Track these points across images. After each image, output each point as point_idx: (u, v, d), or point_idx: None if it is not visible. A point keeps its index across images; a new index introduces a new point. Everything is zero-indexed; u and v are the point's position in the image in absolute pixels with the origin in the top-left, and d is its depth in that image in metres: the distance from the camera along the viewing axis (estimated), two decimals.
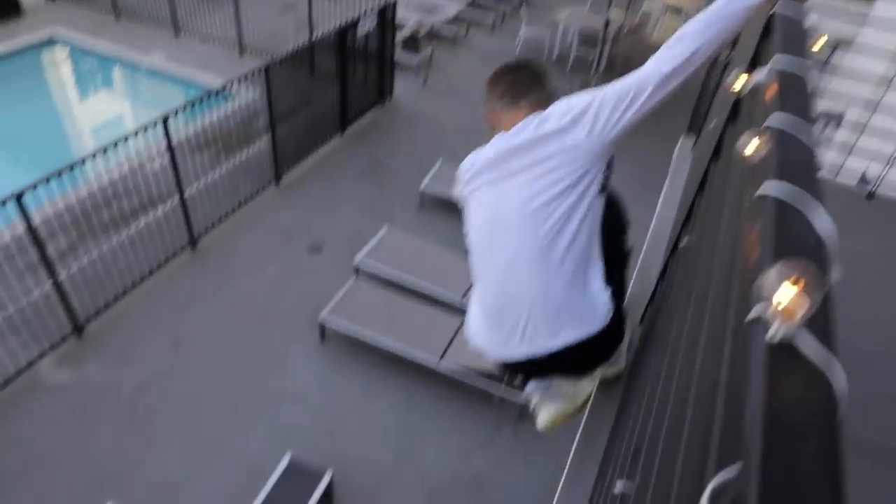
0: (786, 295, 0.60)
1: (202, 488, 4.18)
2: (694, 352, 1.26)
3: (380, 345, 4.92)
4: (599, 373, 2.23)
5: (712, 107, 3.58)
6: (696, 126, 6.73)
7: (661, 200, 3.70)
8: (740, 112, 1.88)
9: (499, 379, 4.80)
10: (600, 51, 9.54)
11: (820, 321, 0.66)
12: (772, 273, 0.61)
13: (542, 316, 1.72)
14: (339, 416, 4.67)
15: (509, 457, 4.57)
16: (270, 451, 4.30)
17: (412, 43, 9.60)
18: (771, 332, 0.65)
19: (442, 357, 4.81)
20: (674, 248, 2.35)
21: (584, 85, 9.55)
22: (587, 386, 2.28)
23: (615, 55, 10.30)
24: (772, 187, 0.90)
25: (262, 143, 6.57)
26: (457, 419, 4.74)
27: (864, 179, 4.42)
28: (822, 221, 0.83)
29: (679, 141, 4.33)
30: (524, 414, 4.68)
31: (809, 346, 0.63)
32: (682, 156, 4.05)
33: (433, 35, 10.60)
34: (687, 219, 2.30)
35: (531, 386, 2.28)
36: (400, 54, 9.30)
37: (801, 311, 0.61)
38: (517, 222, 1.69)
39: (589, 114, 1.66)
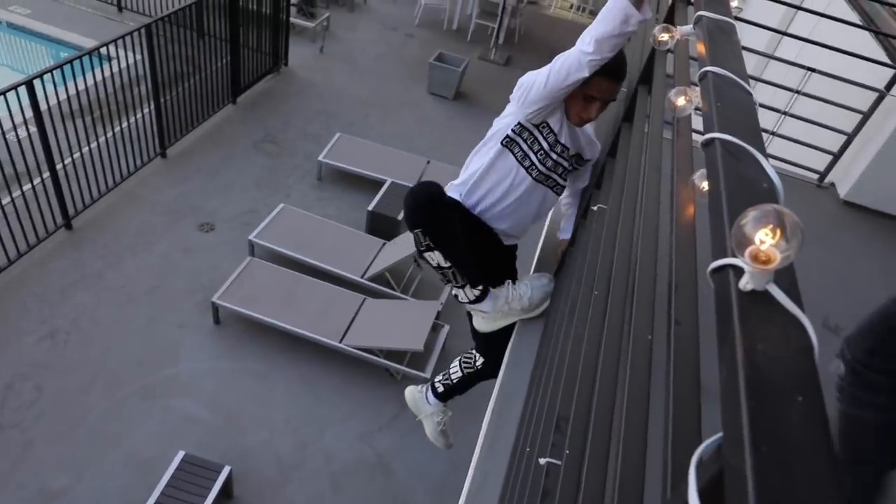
0: (763, 242, 0.55)
1: (87, 493, 3.84)
2: (623, 315, 1.24)
3: (278, 326, 4.72)
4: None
5: None
6: None
7: None
8: (653, 72, 1.88)
9: (401, 357, 4.75)
10: (499, 22, 9.56)
11: (785, 274, 0.62)
12: (748, 218, 0.56)
13: None
14: (237, 404, 4.45)
15: (414, 435, 4.52)
16: (163, 448, 4.03)
17: (308, 7, 9.22)
18: (743, 280, 0.60)
19: (343, 337, 4.69)
20: (584, 213, 2.35)
21: (483, 56, 9.58)
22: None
23: (514, 27, 10.39)
24: (717, 137, 0.86)
25: (146, 112, 6.08)
26: (360, 400, 4.64)
27: None
28: (770, 171, 0.80)
29: None
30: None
31: (782, 298, 0.59)
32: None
33: None
34: (597, 186, 2.30)
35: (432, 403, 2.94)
36: (296, 19, 8.92)
37: (776, 261, 0.56)
38: None
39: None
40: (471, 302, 2.31)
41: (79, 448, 4.04)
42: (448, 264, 2.17)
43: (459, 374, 2.86)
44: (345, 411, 4.55)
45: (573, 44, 1.99)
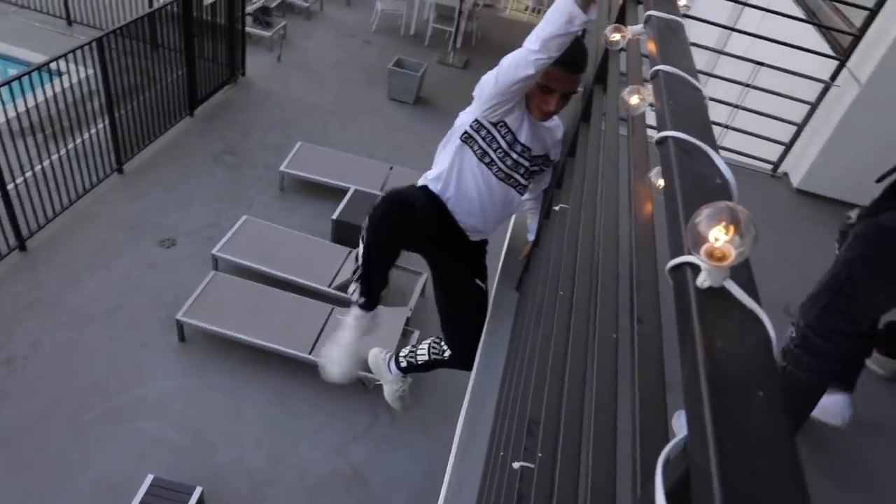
0: (717, 239, 0.55)
1: None
2: (589, 314, 1.24)
3: (245, 341, 4.64)
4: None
5: None
6: None
7: None
8: (608, 72, 1.90)
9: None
10: (456, 26, 9.60)
11: (742, 270, 0.62)
12: (701, 217, 0.56)
13: None
14: (205, 423, 4.35)
15: (388, 444, 4.50)
16: (131, 472, 3.91)
17: (264, 16, 9.12)
18: (700, 278, 0.60)
19: (312, 348, 4.63)
20: (547, 213, 2.37)
21: (442, 61, 9.60)
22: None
23: (471, 30, 10.44)
24: (670, 135, 0.86)
25: (100, 127, 5.93)
26: (332, 411, 4.59)
27: None
28: (722, 166, 0.81)
29: None
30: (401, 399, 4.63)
31: (739, 294, 0.59)
32: None
33: (286, 7, 10.15)
34: (558, 185, 2.32)
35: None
36: (252, 28, 8.82)
37: (731, 257, 0.56)
38: None
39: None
40: (351, 299, 2.52)
41: (41, 478, 3.90)
42: (361, 262, 2.32)
43: (426, 357, 2.86)
44: (317, 423, 4.49)
45: None
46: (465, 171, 2.25)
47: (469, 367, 2.46)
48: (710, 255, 0.57)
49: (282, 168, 6.43)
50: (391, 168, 6.73)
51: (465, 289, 2.52)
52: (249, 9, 8.62)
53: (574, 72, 2.08)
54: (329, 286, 5.18)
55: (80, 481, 3.91)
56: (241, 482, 4.06)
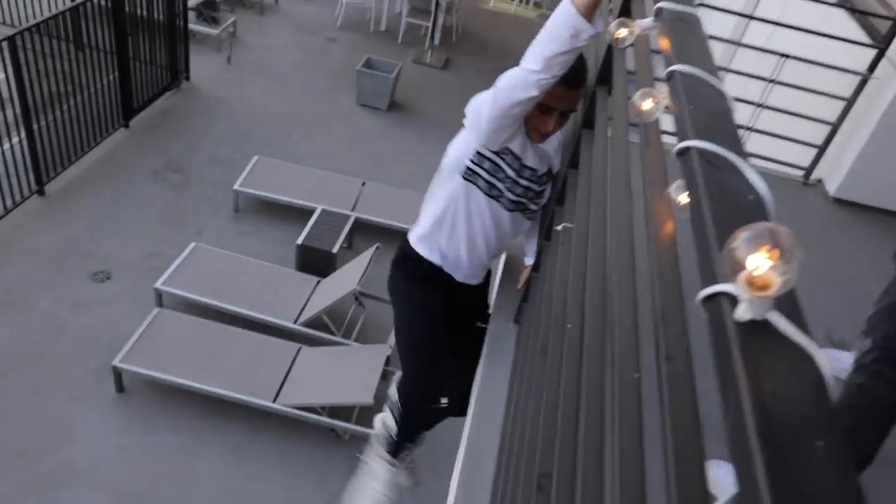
0: (758, 266, 0.57)
1: None
2: (604, 351, 1.25)
3: (196, 389, 4.60)
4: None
5: None
6: None
7: None
8: (612, 72, 1.94)
9: (348, 413, 4.68)
10: (434, 20, 9.71)
11: (787, 299, 0.63)
12: (739, 241, 0.57)
13: None
14: (150, 489, 4.28)
15: None
16: None
17: (210, 11, 9.17)
18: (740, 310, 0.61)
19: (277, 395, 4.61)
20: (547, 234, 2.39)
21: (418, 60, 9.69)
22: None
23: (451, 25, 10.57)
24: (693, 146, 0.88)
25: (15, 141, 5.89)
26: (301, 469, 4.54)
27: None
28: (755, 179, 0.83)
29: None
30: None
31: (785, 327, 0.60)
32: None
33: (235, 1, 10.22)
34: (559, 202, 2.34)
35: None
36: (196, 25, 8.85)
37: (775, 286, 0.57)
38: None
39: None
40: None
41: None
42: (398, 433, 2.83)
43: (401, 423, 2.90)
44: (284, 484, 4.44)
45: (517, 41, 2.03)
46: (471, 213, 2.30)
47: (464, 412, 2.48)
48: (751, 283, 0.58)
49: (236, 186, 6.43)
50: (363, 184, 6.76)
51: (468, 334, 2.67)
52: (192, 2, 8.67)
53: (575, 87, 2.13)
54: (295, 322, 5.16)
55: None
56: None
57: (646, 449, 0.93)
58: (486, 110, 2.07)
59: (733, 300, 0.62)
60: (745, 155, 0.86)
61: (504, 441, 2.03)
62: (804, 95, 3.72)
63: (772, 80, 3.77)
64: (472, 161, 2.21)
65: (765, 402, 0.54)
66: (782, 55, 3.74)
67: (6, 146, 5.78)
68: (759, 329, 0.60)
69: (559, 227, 2.05)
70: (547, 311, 1.88)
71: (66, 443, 4.44)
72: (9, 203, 5.85)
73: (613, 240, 1.40)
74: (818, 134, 3.93)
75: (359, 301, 5.48)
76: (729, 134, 0.91)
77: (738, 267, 0.58)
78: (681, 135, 0.93)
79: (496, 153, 2.21)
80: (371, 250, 5.39)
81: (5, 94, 5.66)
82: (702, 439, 0.73)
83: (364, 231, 6.33)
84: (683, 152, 0.89)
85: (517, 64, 1.99)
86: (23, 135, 5.88)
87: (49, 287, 5.42)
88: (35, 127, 5.87)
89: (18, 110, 5.75)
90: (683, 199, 1.13)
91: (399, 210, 6.48)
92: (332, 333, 5.24)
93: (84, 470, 4.32)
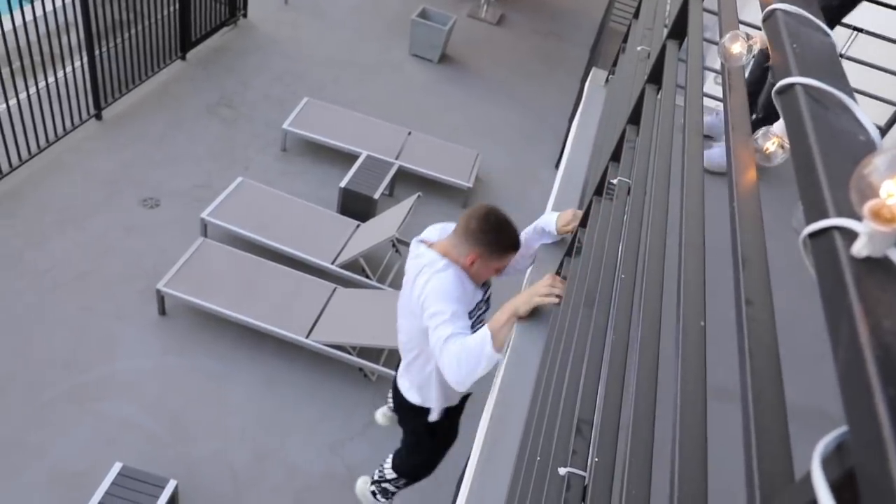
0: (892, 195, 0.51)
1: None
2: (663, 295, 1.20)
3: (234, 319, 4.64)
4: None
5: (631, 32, 3.60)
6: (595, 58, 6.89)
7: (570, 143, 3.70)
8: (688, 21, 1.84)
9: (377, 355, 4.70)
10: None
11: None
12: (874, 166, 0.51)
13: None
14: (185, 408, 4.36)
15: (390, 444, 4.47)
16: (96, 460, 3.93)
17: None
18: (858, 245, 0.55)
19: (310, 332, 4.63)
20: (598, 189, 2.33)
21: (473, 14, 9.49)
22: None
23: None
24: (797, 82, 0.81)
25: (78, 65, 5.92)
26: (328, 404, 4.59)
27: None
28: (865, 120, 0.76)
29: (589, 75, 4.35)
30: None
31: None
32: (594, 91, 4.07)
33: None
34: (615, 157, 2.28)
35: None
36: None
37: None
38: None
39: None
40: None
41: None
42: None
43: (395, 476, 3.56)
44: (311, 417, 4.49)
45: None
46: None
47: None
48: (877, 215, 0.52)
49: (285, 126, 6.40)
50: (409, 133, 6.69)
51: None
52: None
53: (517, 249, 2.58)
54: (332, 263, 5.16)
55: (36, 467, 3.93)
56: (221, 478, 4.07)
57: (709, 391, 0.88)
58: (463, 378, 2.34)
59: (848, 235, 0.57)
60: (853, 96, 0.79)
61: (539, 388, 2.00)
62: (872, 73, 3.54)
63: (841, 56, 3.59)
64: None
65: (885, 339, 0.49)
66: (854, 28, 3.56)
67: (69, 69, 5.81)
68: (877, 266, 0.54)
69: (615, 181, 1.99)
70: (596, 264, 1.83)
71: (109, 358, 4.53)
72: (68, 124, 5.91)
73: (683, 189, 1.34)
74: (882, 115, 3.75)
75: (396, 248, 5.47)
76: (836, 72, 0.83)
77: (868, 194, 0.52)
78: (781, 73, 0.85)
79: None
80: (412, 199, 5.35)
81: (70, 19, 5.67)
82: (782, 384, 0.68)
83: (406, 179, 6.29)
84: (785, 90, 0.82)
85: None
86: (84, 59, 5.90)
87: (102, 209, 5.49)
88: (97, 52, 5.89)
89: (82, 35, 5.76)
90: (770, 146, 1.06)
91: (441, 162, 6.42)
92: (367, 277, 5.24)
93: (125, 385, 4.41)
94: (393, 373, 4.59)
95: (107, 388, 4.38)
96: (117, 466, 3.68)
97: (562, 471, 1.34)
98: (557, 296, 2.22)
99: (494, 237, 2.48)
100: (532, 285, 2.35)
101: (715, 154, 3.14)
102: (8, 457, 3.95)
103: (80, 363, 4.47)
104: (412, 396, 2.99)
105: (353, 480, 4.23)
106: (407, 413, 3.12)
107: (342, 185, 5.75)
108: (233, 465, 4.14)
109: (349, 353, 4.61)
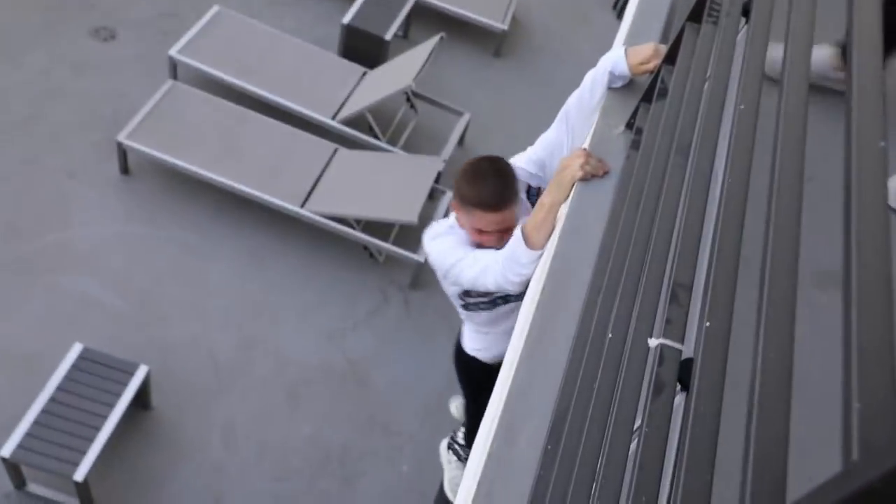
0: None
1: None
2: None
3: (214, 181, 4.63)
4: None
5: None
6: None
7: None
8: None
9: (386, 231, 4.72)
10: None
11: None
12: None
13: None
14: (155, 286, 4.43)
15: (400, 335, 4.61)
16: (51, 340, 4.01)
17: None
18: None
19: (305, 201, 4.65)
20: (695, 12, 2.27)
21: None
22: None
23: None
24: None
25: None
26: (327, 287, 4.66)
27: None
28: None
29: None
30: (418, 278, 4.69)
31: None
32: None
33: None
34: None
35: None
36: None
37: None
38: None
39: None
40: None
41: None
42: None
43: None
44: (306, 301, 4.57)
45: None
46: (495, 323, 2.90)
47: None
48: None
49: None
50: None
51: None
52: None
53: (498, 210, 2.43)
54: (333, 118, 5.11)
55: None
56: (200, 367, 4.18)
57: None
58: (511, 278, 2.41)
59: None
60: None
61: (606, 256, 2.00)
62: None
63: None
64: (461, 305, 2.85)
65: None
66: None
67: None
68: None
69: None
70: (692, 104, 1.78)
71: (62, 224, 4.56)
72: None
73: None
74: None
75: (410, 102, 5.39)
76: None
77: None
78: None
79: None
80: (433, 41, 5.21)
81: None
82: None
83: (425, 17, 6.14)
84: None
85: None
86: None
87: (41, 40, 5.38)
88: None
89: None
90: None
91: None
92: (375, 137, 5.19)
93: (82, 254, 4.46)
94: (406, 253, 4.65)
95: (61, 258, 4.42)
96: (77, 348, 3.77)
97: (652, 342, 1.34)
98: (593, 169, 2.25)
99: (466, 187, 2.46)
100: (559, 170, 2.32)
101: None
102: None
103: (26, 229, 4.49)
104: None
105: (356, 375, 4.36)
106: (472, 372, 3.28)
107: (345, 20, 5.61)
108: (214, 353, 4.24)
109: (352, 228, 4.63)
